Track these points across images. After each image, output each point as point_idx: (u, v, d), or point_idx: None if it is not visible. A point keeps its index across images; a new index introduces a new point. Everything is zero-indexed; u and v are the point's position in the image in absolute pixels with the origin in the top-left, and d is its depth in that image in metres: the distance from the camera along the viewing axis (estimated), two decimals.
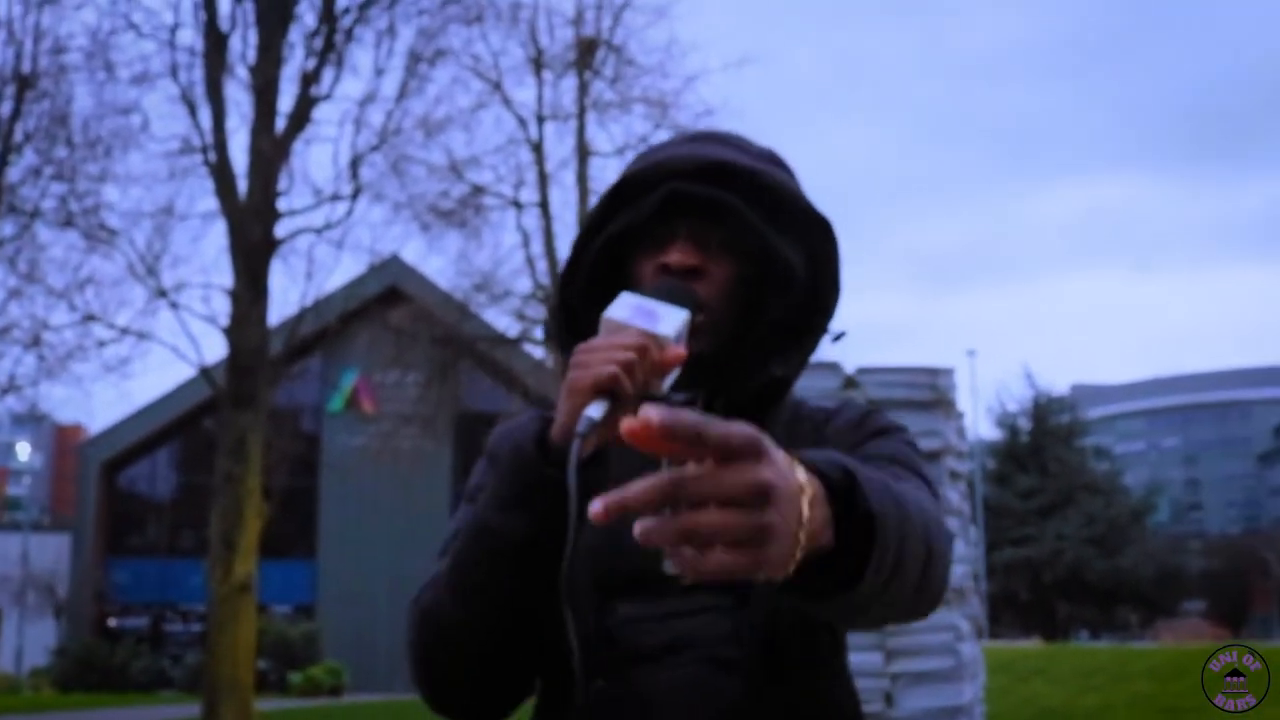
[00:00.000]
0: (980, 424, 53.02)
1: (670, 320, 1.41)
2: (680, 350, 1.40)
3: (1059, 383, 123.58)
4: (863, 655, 6.53)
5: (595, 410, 1.31)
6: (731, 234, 1.62)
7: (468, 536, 1.47)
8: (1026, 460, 48.99)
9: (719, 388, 1.60)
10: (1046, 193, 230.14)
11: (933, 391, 6.59)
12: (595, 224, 1.67)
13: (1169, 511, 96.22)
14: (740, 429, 0.99)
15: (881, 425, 1.70)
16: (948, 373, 6.75)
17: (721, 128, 1.82)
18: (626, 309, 1.42)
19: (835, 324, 1.71)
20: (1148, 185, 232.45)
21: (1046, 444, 48.95)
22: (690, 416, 0.98)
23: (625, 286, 1.59)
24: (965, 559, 6.96)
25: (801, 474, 1.09)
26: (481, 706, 1.54)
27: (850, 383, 6.70)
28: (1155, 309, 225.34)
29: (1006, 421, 50.18)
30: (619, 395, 1.32)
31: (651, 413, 0.97)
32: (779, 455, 1.04)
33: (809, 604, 1.26)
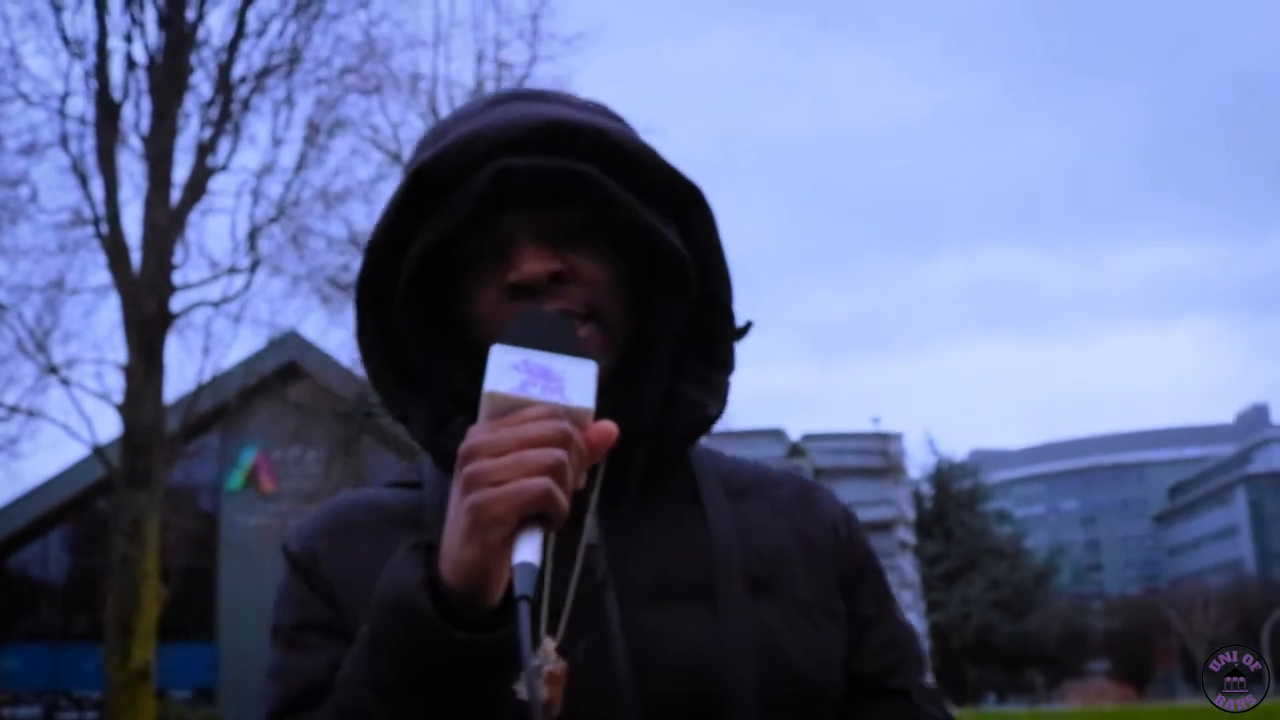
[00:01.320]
0: None
1: (580, 382, 1.05)
2: (609, 426, 1.03)
3: (959, 448, 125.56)
4: None
5: (530, 552, 0.96)
6: (591, 219, 1.20)
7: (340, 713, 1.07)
8: (931, 526, 49.38)
9: (633, 432, 1.17)
10: (933, 263, 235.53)
11: (883, 458, 6.37)
12: (388, 234, 1.20)
13: (1070, 573, 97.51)
14: None
15: (867, 545, 1.36)
16: (897, 438, 6.55)
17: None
18: (515, 377, 1.03)
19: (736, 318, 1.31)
20: (1031, 256, 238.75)
21: (950, 510, 49.51)
22: None
23: (461, 314, 1.23)
24: (922, 634, 6.80)
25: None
26: None
27: (796, 450, 6.51)
28: (1045, 375, 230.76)
29: (911, 487, 50.58)
30: (556, 514, 0.98)
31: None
32: None
33: None
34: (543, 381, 1.03)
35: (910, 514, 6.86)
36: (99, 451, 20.40)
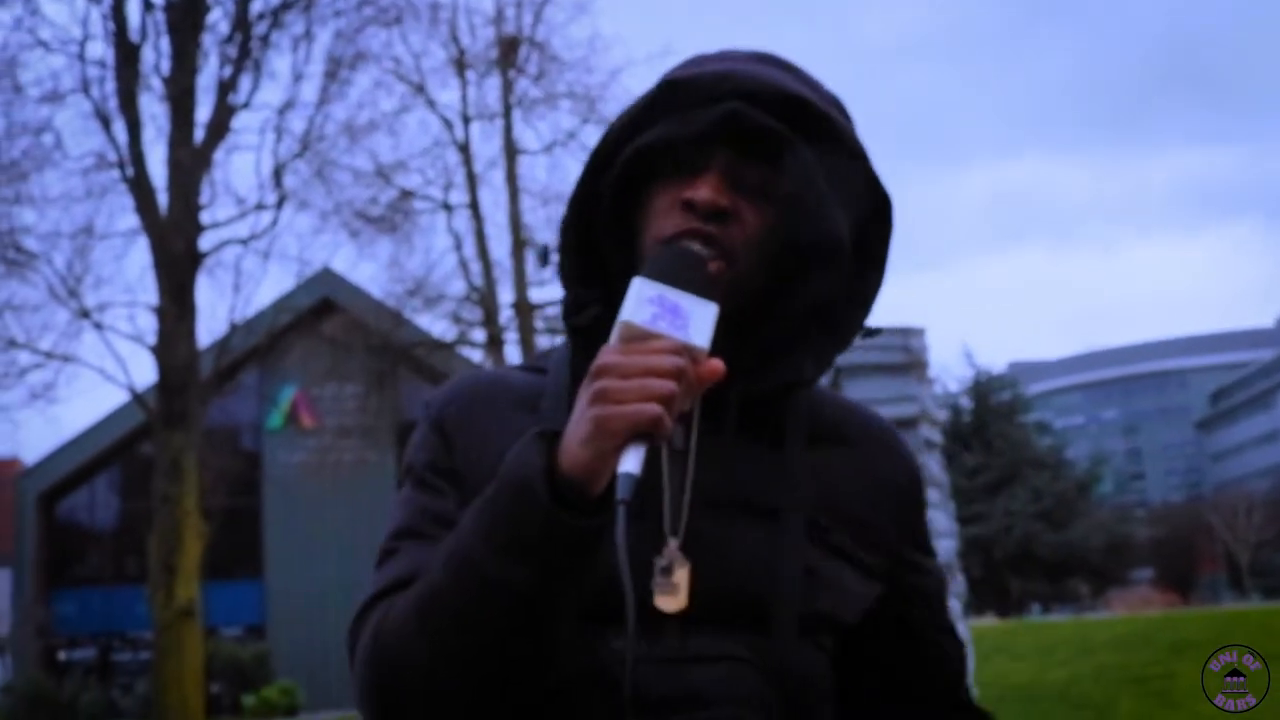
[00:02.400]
0: None
1: (701, 322, 1.20)
2: (718, 365, 1.18)
3: (997, 361, 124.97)
4: None
5: (633, 463, 1.13)
6: (777, 181, 1.34)
7: (449, 574, 1.22)
8: (971, 439, 49.35)
9: (735, 372, 1.28)
10: (959, 176, 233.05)
11: (905, 354, 6.27)
12: (625, 129, 1.38)
13: (1112, 482, 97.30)
14: None
15: (922, 495, 1.52)
16: (919, 333, 6.42)
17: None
18: (648, 310, 1.19)
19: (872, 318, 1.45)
20: (1055, 165, 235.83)
21: (990, 422, 49.38)
22: None
23: (638, 210, 1.37)
24: (949, 533, 6.72)
25: None
26: None
27: None
28: (1078, 285, 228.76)
29: (949, 401, 50.47)
30: (663, 435, 1.15)
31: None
32: None
33: None
34: (670, 317, 1.19)
35: (936, 411, 6.76)
36: (136, 396, 20.58)
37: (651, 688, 1.25)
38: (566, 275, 1.42)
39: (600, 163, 1.39)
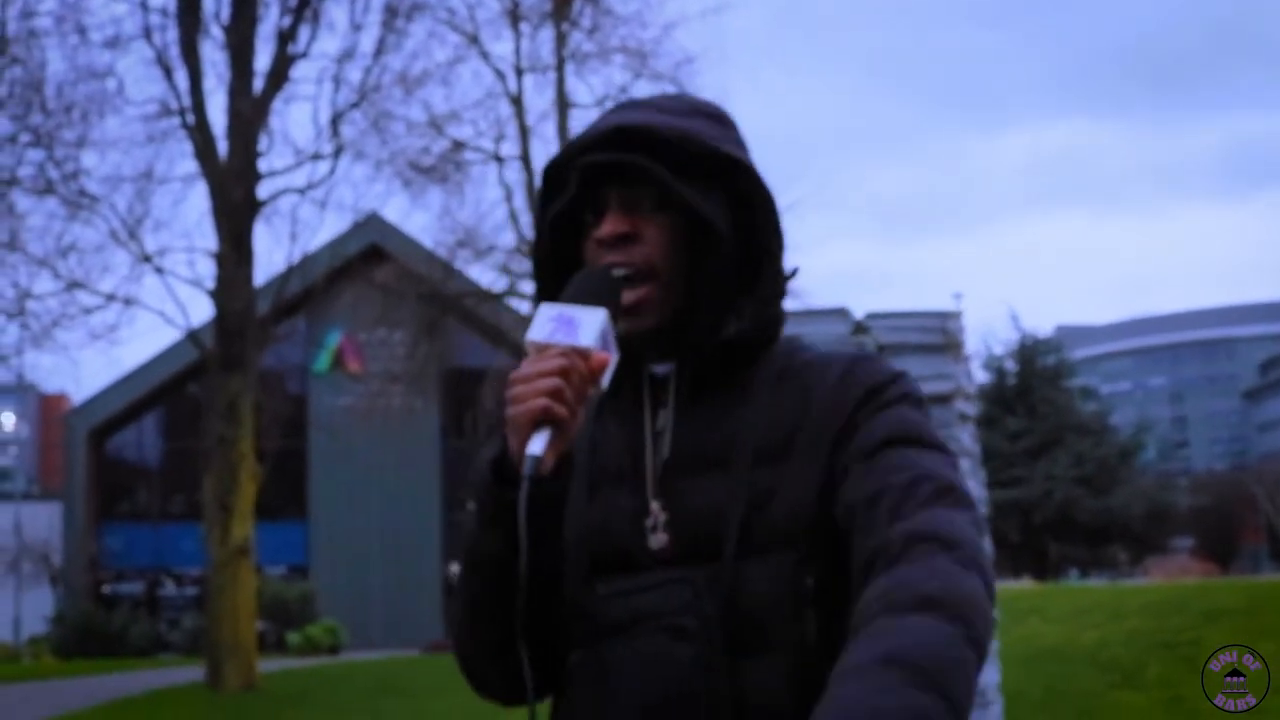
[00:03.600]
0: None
1: (589, 326, 1.48)
2: (604, 355, 1.48)
3: (1044, 324, 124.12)
4: None
5: (537, 445, 1.43)
6: (655, 194, 1.62)
7: (465, 551, 1.61)
8: (1014, 402, 49.12)
9: (684, 356, 1.64)
10: (1000, 138, 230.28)
11: (943, 335, 6.59)
12: (541, 214, 1.71)
13: (1156, 450, 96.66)
14: None
15: (869, 387, 1.60)
16: (956, 316, 6.76)
17: (673, 88, 1.84)
18: (545, 327, 1.48)
19: (785, 264, 1.70)
20: (1100, 128, 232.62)
21: (1034, 386, 49.08)
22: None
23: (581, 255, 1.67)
24: (980, 500, 6.99)
25: None
26: (505, 690, 1.65)
27: (860, 328, 6.72)
28: (1124, 250, 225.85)
29: (993, 364, 50.27)
30: (556, 420, 1.44)
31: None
32: None
33: None
34: (564, 328, 1.48)
35: (970, 387, 7.05)
36: (193, 336, 20.94)
37: (611, 615, 1.58)
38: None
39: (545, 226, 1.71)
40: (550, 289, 1.66)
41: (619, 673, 1.56)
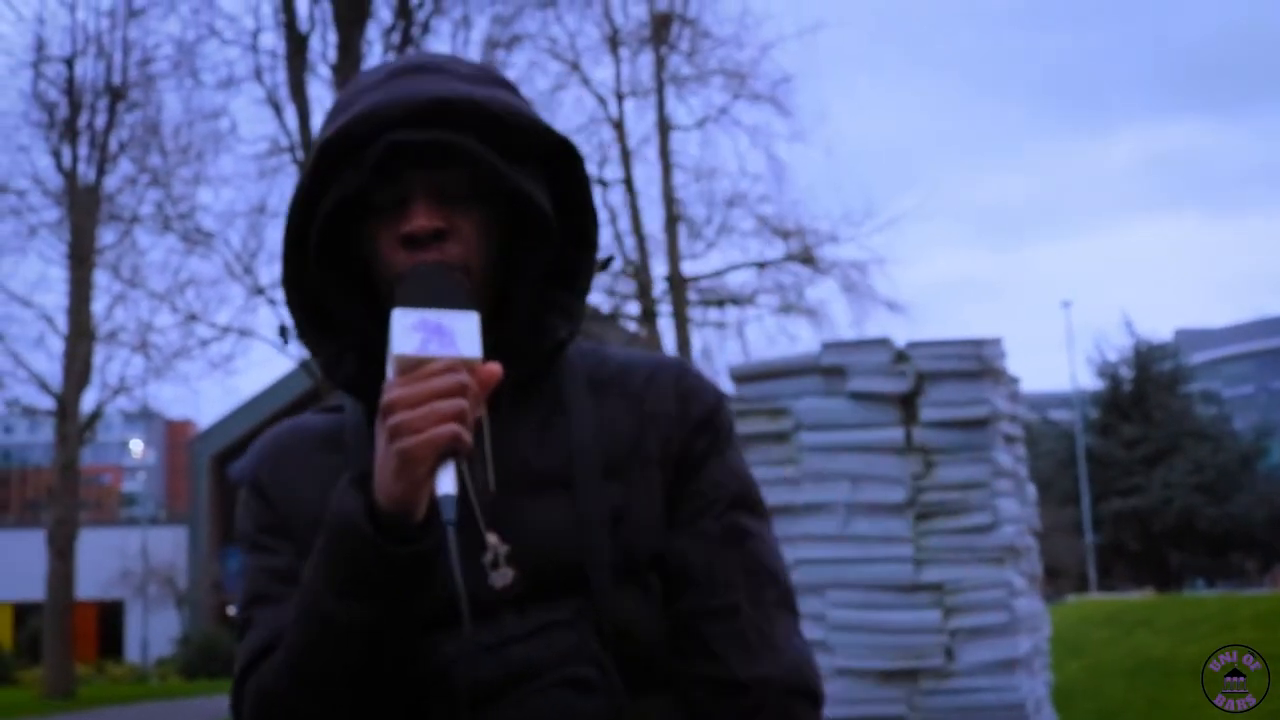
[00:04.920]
0: (1081, 374, 52.30)
1: (467, 334, 1.27)
2: (494, 368, 1.26)
3: (1162, 329, 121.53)
4: (921, 613, 6.76)
5: (448, 483, 1.22)
6: (471, 179, 1.39)
7: (305, 628, 1.32)
8: (1130, 409, 48.30)
9: (503, 357, 1.34)
10: (1107, 140, 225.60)
11: (978, 362, 6.78)
12: (306, 196, 1.40)
13: None
14: None
15: (704, 413, 1.50)
16: (994, 343, 6.93)
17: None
18: (413, 335, 1.25)
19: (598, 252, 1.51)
20: (1210, 127, 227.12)
21: (1149, 392, 48.21)
22: None
23: (366, 259, 1.42)
24: (1019, 518, 7.13)
25: None
26: None
27: (901, 357, 6.91)
28: (1241, 251, 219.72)
29: (1107, 371, 49.50)
30: (464, 450, 1.23)
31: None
32: None
33: None
34: (437, 338, 1.25)
35: (1014, 410, 7.23)
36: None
37: (482, 676, 1.33)
38: (310, 341, 1.47)
39: (297, 234, 1.42)
40: (316, 290, 1.43)
41: None
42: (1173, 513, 46.14)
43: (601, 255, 1.51)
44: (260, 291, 21.28)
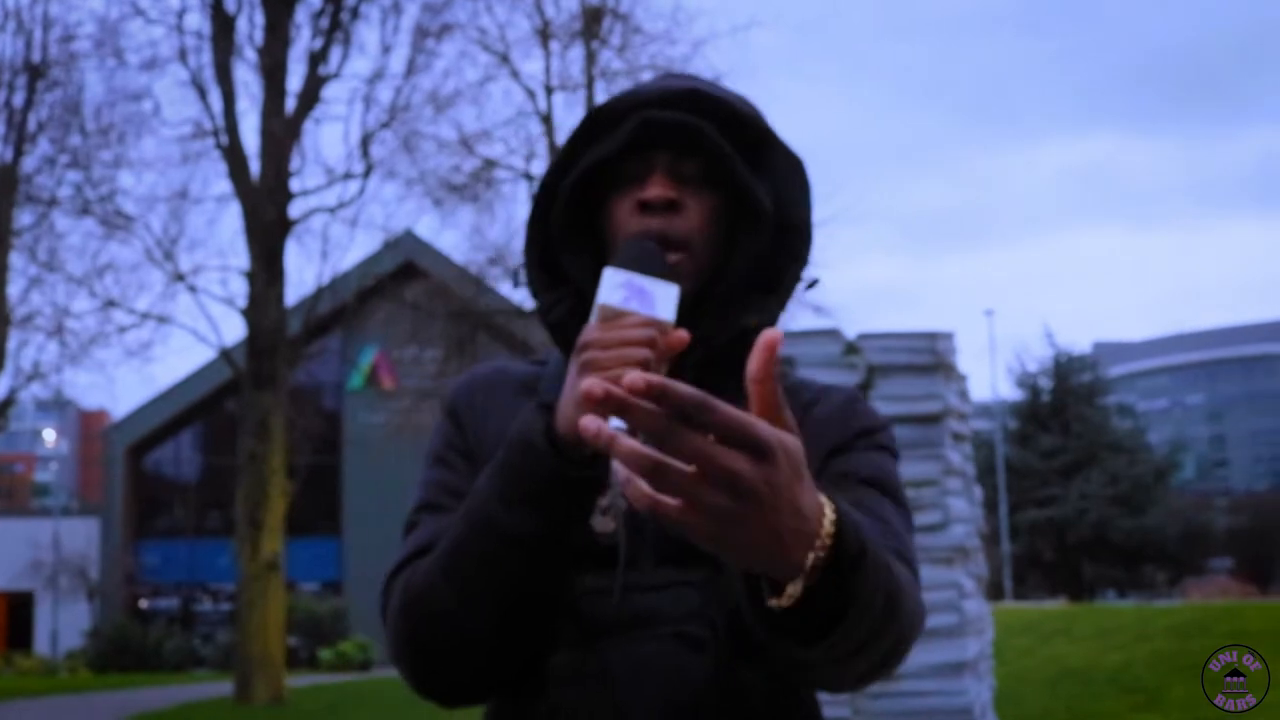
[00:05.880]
0: (1000, 384, 52.88)
1: (665, 301, 1.39)
2: (683, 334, 1.37)
3: (1081, 341, 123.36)
4: None
5: (619, 421, 1.29)
6: (707, 166, 1.55)
7: (469, 529, 1.42)
8: (1048, 420, 48.90)
9: (694, 336, 1.44)
10: (1030, 152, 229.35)
11: (932, 356, 6.63)
12: (567, 160, 1.59)
13: (1194, 469, 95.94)
14: (765, 429, 1.02)
15: (867, 425, 1.63)
16: (947, 337, 6.79)
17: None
18: (619, 291, 1.38)
19: (808, 272, 1.65)
20: (1134, 142, 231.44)
21: (1068, 403, 48.84)
22: (699, 395, 0.99)
23: (601, 224, 1.59)
24: (969, 518, 7.04)
25: (822, 497, 1.13)
26: (467, 690, 1.51)
27: (851, 349, 6.77)
28: (1160, 266, 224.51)
29: (1027, 381, 50.08)
30: None
31: (643, 377, 0.99)
32: (798, 457, 1.06)
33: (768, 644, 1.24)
34: (639, 298, 1.38)
35: (964, 407, 7.09)
36: (225, 354, 21.19)
37: (607, 613, 1.46)
38: (535, 286, 1.63)
39: (552, 191, 1.59)
40: (554, 242, 1.59)
41: (625, 680, 1.45)
42: (1088, 524, 46.76)
43: (805, 277, 1.64)
44: (181, 278, 20.91)
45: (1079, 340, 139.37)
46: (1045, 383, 49.99)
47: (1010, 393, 51.10)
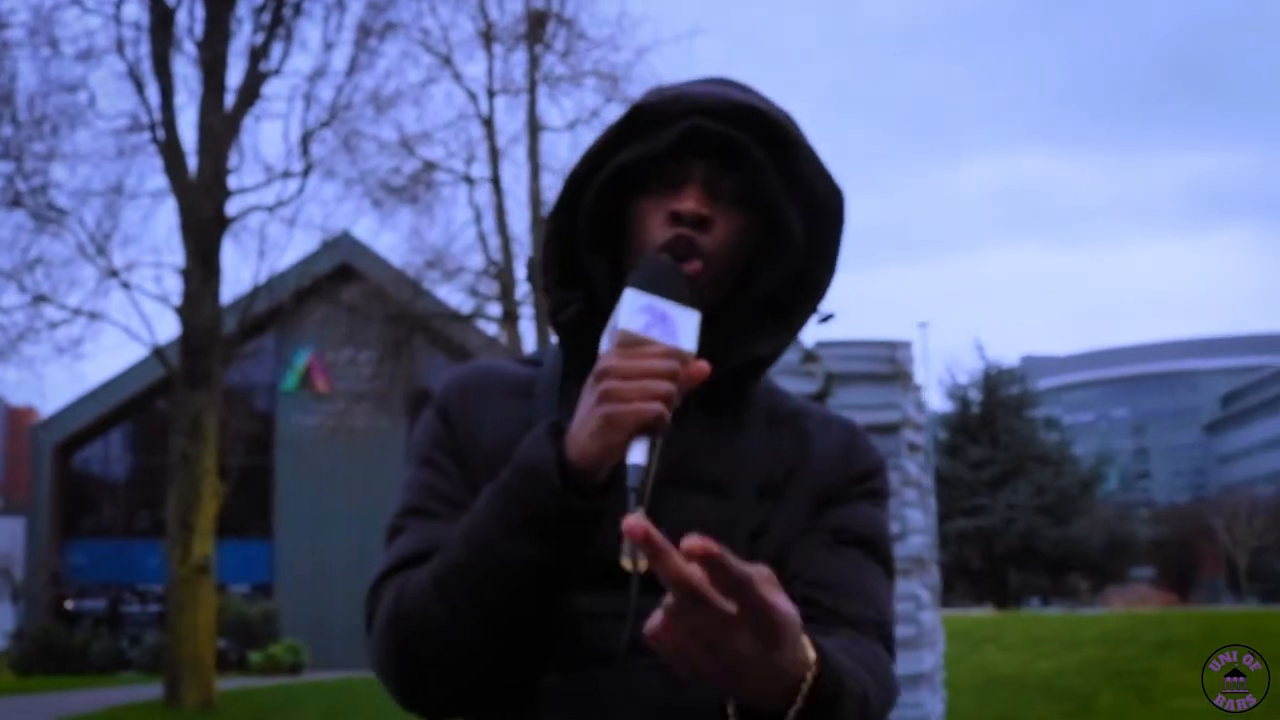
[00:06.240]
0: (931, 396, 53.50)
1: (687, 329, 1.34)
2: (704, 366, 1.32)
3: (1009, 354, 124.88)
4: None
5: (639, 454, 1.28)
6: (744, 185, 1.50)
7: (467, 550, 1.39)
8: (977, 431, 49.52)
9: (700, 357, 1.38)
10: (960, 169, 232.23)
11: (891, 365, 6.59)
12: (600, 152, 1.53)
13: (1118, 481, 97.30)
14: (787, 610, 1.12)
15: (865, 469, 1.61)
16: (905, 346, 6.76)
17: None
18: (640, 317, 1.33)
19: (825, 305, 1.60)
20: (1059, 161, 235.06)
21: (997, 415, 49.49)
22: (740, 567, 1.09)
23: (623, 225, 1.54)
24: (925, 529, 7.06)
25: (811, 652, 1.21)
26: (452, 706, 1.48)
27: (810, 356, 6.77)
28: (1085, 283, 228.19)
29: (957, 393, 50.67)
30: (663, 430, 1.29)
31: (703, 543, 1.07)
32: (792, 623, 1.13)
33: None
34: (661, 324, 1.34)
35: (919, 417, 7.12)
36: (158, 352, 20.91)
37: (606, 640, 1.41)
38: (551, 280, 1.58)
39: (579, 183, 1.54)
40: (574, 241, 1.54)
41: (617, 707, 1.42)
42: (1014, 533, 47.40)
43: (819, 311, 1.59)
44: (114, 274, 20.61)
45: (1008, 353, 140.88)
46: (975, 395, 50.59)
47: (941, 404, 51.62)
